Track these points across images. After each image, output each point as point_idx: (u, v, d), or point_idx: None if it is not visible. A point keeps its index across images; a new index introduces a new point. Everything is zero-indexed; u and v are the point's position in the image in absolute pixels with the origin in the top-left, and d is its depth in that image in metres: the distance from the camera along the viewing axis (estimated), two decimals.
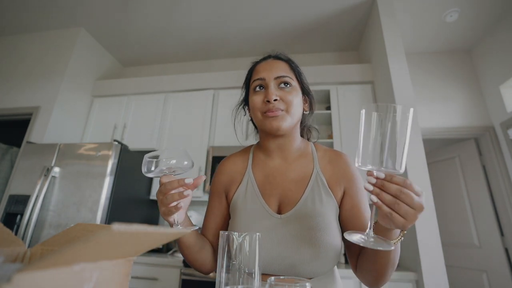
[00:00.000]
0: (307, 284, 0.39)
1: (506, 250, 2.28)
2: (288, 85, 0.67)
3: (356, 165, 0.46)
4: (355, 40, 2.82)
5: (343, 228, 0.67)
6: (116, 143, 2.04)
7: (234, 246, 0.47)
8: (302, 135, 0.79)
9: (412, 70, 2.69)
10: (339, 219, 0.68)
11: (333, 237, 0.62)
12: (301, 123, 0.76)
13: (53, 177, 1.94)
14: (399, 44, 2.13)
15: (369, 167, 0.44)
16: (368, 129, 0.45)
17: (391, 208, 0.43)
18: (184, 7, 2.49)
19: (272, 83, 0.66)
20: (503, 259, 2.26)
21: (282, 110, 0.65)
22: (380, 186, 0.44)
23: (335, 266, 0.69)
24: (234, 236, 0.48)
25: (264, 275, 0.58)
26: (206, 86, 2.66)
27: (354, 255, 0.67)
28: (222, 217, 0.75)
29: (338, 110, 2.37)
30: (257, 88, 0.68)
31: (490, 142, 2.50)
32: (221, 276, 0.47)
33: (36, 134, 2.41)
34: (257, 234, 0.48)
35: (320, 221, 0.62)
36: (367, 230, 0.48)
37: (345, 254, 1.96)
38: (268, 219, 0.65)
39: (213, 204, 0.76)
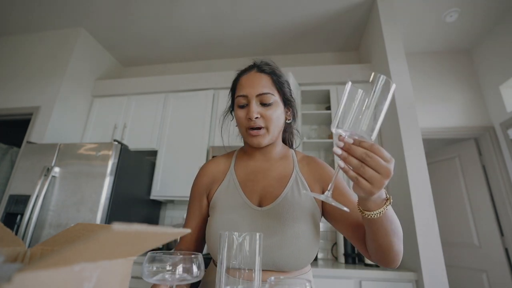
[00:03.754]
0: (307, 284, 0.39)
1: (506, 250, 2.28)
2: (269, 103, 0.70)
3: (332, 129, 0.48)
4: (355, 40, 2.82)
5: (333, 218, 0.70)
6: (116, 143, 2.04)
7: (234, 246, 0.47)
8: (285, 141, 0.85)
9: (412, 70, 2.70)
10: (327, 215, 0.72)
11: (310, 229, 0.66)
12: (285, 130, 0.81)
13: (53, 177, 1.94)
14: (399, 44, 2.13)
15: (341, 131, 0.46)
16: (350, 97, 0.46)
17: (357, 173, 0.45)
18: (184, 7, 2.49)
19: (254, 100, 0.70)
20: (503, 259, 2.26)
21: (263, 128, 0.69)
22: (347, 149, 0.45)
23: (310, 269, 0.72)
24: (234, 236, 0.48)
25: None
26: (206, 86, 2.66)
27: (361, 240, 0.66)
28: (202, 218, 0.78)
29: None
30: (241, 105, 0.72)
31: (490, 142, 2.50)
32: (221, 276, 0.47)
33: (36, 134, 2.41)
34: (258, 234, 0.48)
35: (299, 213, 0.67)
36: (326, 192, 0.50)
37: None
38: (248, 211, 0.69)
39: (194, 205, 0.79)
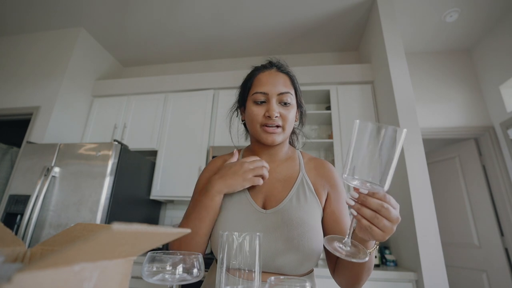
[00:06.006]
0: (307, 284, 0.39)
1: (506, 250, 2.28)
2: (288, 103, 0.70)
3: (343, 176, 0.47)
4: (355, 40, 2.82)
5: (324, 228, 0.70)
6: (116, 143, 2.04)
7: (234, 246, 0.47)
8: (289, 141, 0.84)
9: (412, 70, 2.70)
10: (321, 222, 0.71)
11: (315, 235, 0.64)
12: (292, 132, 0.81)
13: (53, 177, 1.95)
14: (399, 44, 2.13)
15: (355, 182, 0.45)
16: (359, 143, 0.45)
17: (370, 222, 0.46)
18: (184, 7, 2.49)
19: (274, 99, 0.69)
20: (503, 259, 2.26)
21: (279, 127, 0.69)
22: (362, 201, 0.46)
23: (313, 270, 0.71)
24: (234, 236, 0.48)
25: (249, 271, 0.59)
26: (206, 86, 2.66)
27: (332, 259, 0.70)
28: None
29: (338, 110, 2.37)
30: (258, 101, 0.70)
31: (490, 142, 2.50)
32: (221, 276, 0.47)
33: (36, 134, 2.41)
34: (258, 234, 0.48)
35: (305, 218, 0.65)
36: (345, 239, 0.50)
37: None
38: (252, 213, 0.68)
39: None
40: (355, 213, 0.47)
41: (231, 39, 2.88)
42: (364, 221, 0.46)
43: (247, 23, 2.65)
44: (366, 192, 0.47)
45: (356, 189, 0.47)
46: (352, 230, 0.51)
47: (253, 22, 2.63)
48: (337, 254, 0.48)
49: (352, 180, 0.46)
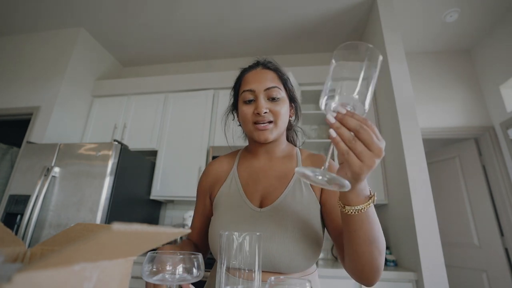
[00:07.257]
0: (307, 284, 0.39)
1: (506, 250, 2.28)
2: (276, 97, 0.70)
3: (320, 102, 0.44)
4: (355, 40, 2.82)
5: (324, 220, 0.69)
6: (116, 143, 2.04)
7: (234, 246, 0.47)
8: (288, 139, 0.84)
9: (412, 70, 2.70)
10: (321, 214, 0.69)
11: (313, 232, 0.63)
12: (288, 128, 0.80)
13: (53, 177, 1.95)
14: (399, 44, 2.13)
15: (334, 105, 0.43)
16: (338, 68, 0.44)
17: (348, 147, 0.41)
18: (184, 7, 2.49)
19: (261, 95, 0.69)
20: (503, 259, 2.26)
21: (271, 122, 0.68)
22: (341, 119, 0.42)
23: (315, 270, 0.69)
24: (234, 236, 0.48)
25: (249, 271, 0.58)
26: (206, 86, 2.66)
27: (341, 246, 0.63)
28: (205, 217, 0.79)
29: None
30: (247, 100, 0.71)
31: (490, 142, 2.50)
32: (221, 276, 0.47)
33: (36, 134, 2.41)
34: (258, 234, 0.48)
35: (300, 215, 0.64)
36: (321, 169, 0.43)
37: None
38: (248, 212, 0.68)
39: (199, 204, 0.81)
40: (333, 134, 0.42)
41: (231, 39, 2.88)
42: (342, 145, 0.41)
43: (247, 22, 2.65)
44: (344, 111, 0.42)
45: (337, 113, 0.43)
46: (329, 158, 0.45)
47: (253, 22, 2.63)
48: (306, 180, 0.43)
49: (331, 102, 0.43)
